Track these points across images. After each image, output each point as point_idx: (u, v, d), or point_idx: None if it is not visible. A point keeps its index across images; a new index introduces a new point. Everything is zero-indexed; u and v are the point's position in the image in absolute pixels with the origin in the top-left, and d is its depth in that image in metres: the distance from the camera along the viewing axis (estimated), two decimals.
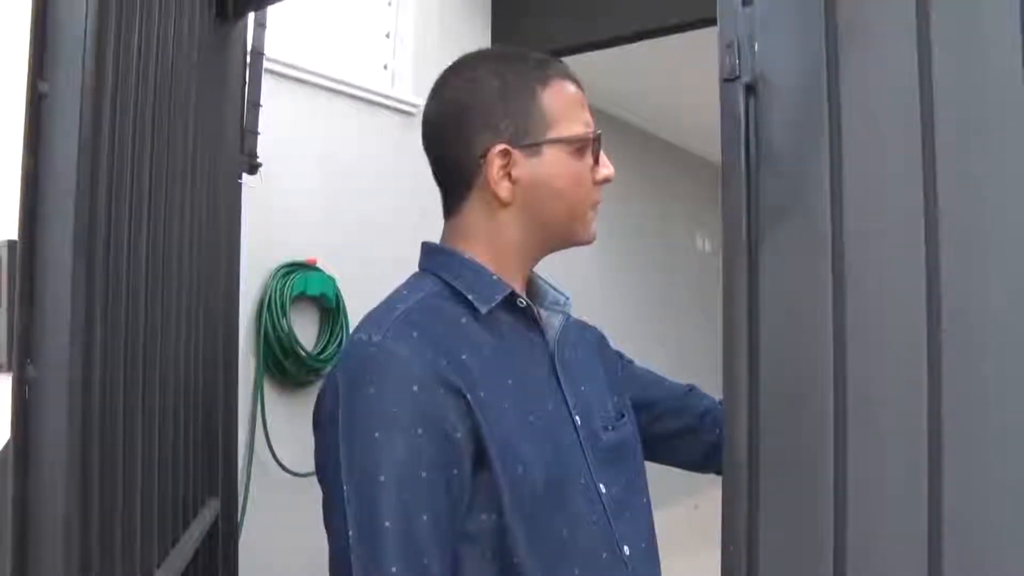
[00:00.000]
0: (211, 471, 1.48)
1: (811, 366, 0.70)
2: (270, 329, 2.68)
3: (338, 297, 2.89)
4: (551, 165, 0.98)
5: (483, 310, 0.95)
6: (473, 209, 1.00)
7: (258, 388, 2.67)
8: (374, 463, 0.84)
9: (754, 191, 0.74)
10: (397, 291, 1.00)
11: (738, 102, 0.75)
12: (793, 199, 0.73)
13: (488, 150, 0.96)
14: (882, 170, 0.68)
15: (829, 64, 0.71)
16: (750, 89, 0.75)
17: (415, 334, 0.90)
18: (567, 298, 1.06)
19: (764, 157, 0.74)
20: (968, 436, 0.63)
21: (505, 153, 0.96)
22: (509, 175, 0.97)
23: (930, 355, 0.64)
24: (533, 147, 0.97)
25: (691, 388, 1.23)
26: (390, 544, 0.83)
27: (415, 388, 0.87)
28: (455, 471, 0.87)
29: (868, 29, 0.70)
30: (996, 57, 0.64)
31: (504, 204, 0.98)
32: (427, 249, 1.05)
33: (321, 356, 2.83)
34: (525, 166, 0.97)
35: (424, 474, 0.85)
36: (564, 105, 0.99)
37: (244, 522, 2.42)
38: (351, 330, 0.99)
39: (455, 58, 1.05)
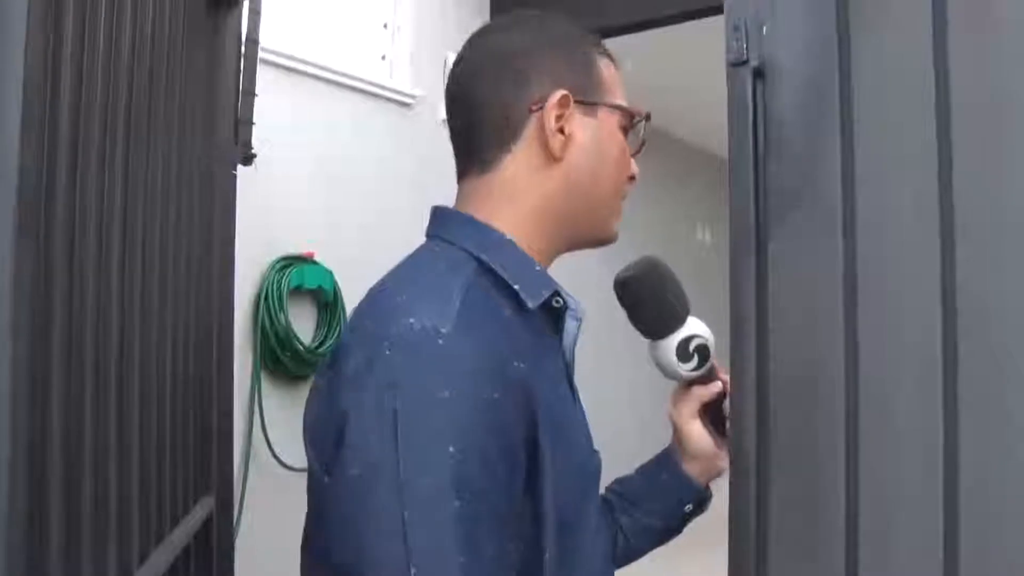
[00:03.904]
0: (205, 468, 1.46)
1: (822, 359, 0.68)
2: (267, 323, 2.66)
3: (336, 290, 2.87)
4: (603, 129, 0.89)
5: (531, 305, 0.83)
6: (514, 165, 0.87)
7: (255, 383, 2.65)
8: (447, 485, 0.71)
9: (762, 178, 0.72)
10: (427, 264, 0.85)
11: (746, 87, 0.73)
12: (803, 186, 0.71)
13: (547, 95, 0.85)
14: (896, 155, 0.66)
15: (841, 45, 0.69)
16: (758, 73, 0.73)
17: (484, 327, 0.78)
18: (577, 303, 0.94)
19: (773, 143, 0.72)
20: (986, 432, 0.61)
21: (565, 101, 0.86)
22: (561, 129, 0.86)
23: (945, 347, 0.62)
24: (590, 105, 0.88)
25: None
26: None
27: (495, 395, 0.74)
28: (515, 492, 0.76)
29: (881, 8, 0.68)
30: (1013, 37, 0.62)
31: (552, 161, 0.86)
32: (448, 216, 0.90)
33: (319, 350, 2.82)
34: (579, 123, 0.87)
35: (495, 498, 0.74)
36: (615, 77, 0.92)
37: (242, 519, 2.40)
38: (361, 310, 0.84)
39: (454, 48, 0.97)
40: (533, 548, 0.78)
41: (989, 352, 0.61)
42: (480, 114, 0.88)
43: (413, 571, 0.70)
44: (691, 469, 0.99)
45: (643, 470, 1.05)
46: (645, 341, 0.97)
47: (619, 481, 1.06)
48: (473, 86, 0.89)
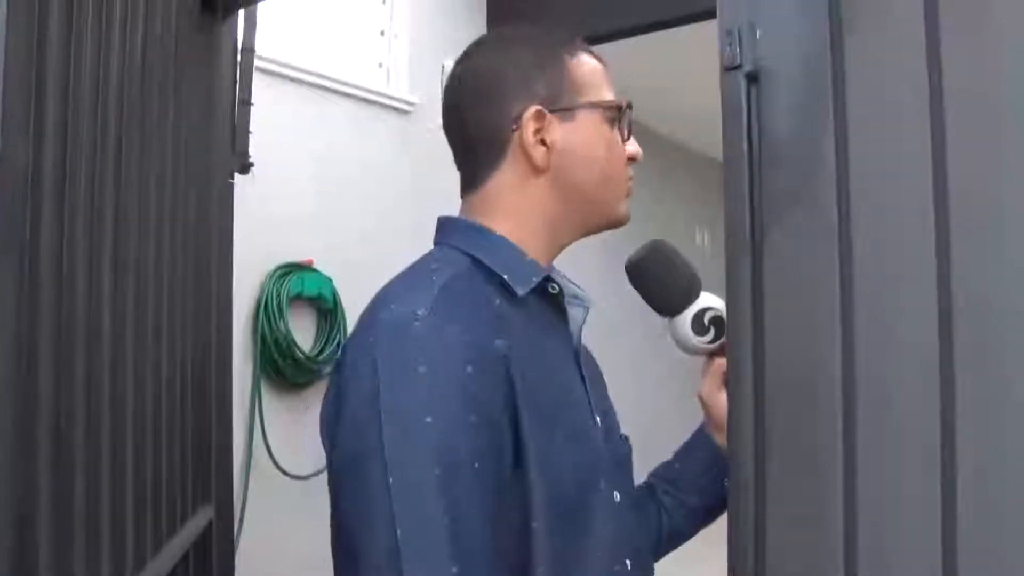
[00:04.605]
0: (204, 476, 1.46)
1: (820, 359, 0.68)
2: (267, 331, 2.66)
3: (336, 297, 2.87)
4: (585, 130, 0.95)
5: (520, 292, 0.89)
6: (503, 180, 0.94)
7: (256, 391, 2.65)
8: (427, 453, 0.77)
9: (757, 183, 0.72)
10: (423, 264, 0.93)
11: (739, 91, 0.74)
12: (798, 190, 0.71)
13: (522, 113, 0.92)
14: (891, 156, 0.66)
15: (834, 48, 0.69)
16: (752, 78, 0.74)
17: (462, 310, 0.84)
18: (583, 291, 1.01)
19: (767, 147, 0.73)
20: (983, 431, 0.61)
21: (540, 115, 0.92)
22: (543, 140, 0.93)
23: (942, 347, 0.62)
24: (567, 111, 0.94)
25: None
26: (448, 543, 0.76)
27: (469, 369, 0.80)
28: (502, 464, 0.81)
29: (874, 10, 0.68)
30: (1008, 36, 0.62)
31: (538, 171, 0.93)
32: (449, 223, 0.97)
33: (319, 357, 2.82)
34: (559, 130, 0.93)
35: (477, 465, 0.79)
36: (592, 74, 0.97)
37: (243, 528, 2.40)
38: (362, 313, 0.90)
39: (451, 55, 1.03)
40: (524, 527, 0.83)
41: (986, 351, 0.61)
42: (469, 137, 0.96)
43: (399, 532, 0.75)
44: (724, 441, 1.00)
45: (679, 451, 1.10)
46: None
47: (662, 465, 1.11)
48: (459, 112, 0.97)
